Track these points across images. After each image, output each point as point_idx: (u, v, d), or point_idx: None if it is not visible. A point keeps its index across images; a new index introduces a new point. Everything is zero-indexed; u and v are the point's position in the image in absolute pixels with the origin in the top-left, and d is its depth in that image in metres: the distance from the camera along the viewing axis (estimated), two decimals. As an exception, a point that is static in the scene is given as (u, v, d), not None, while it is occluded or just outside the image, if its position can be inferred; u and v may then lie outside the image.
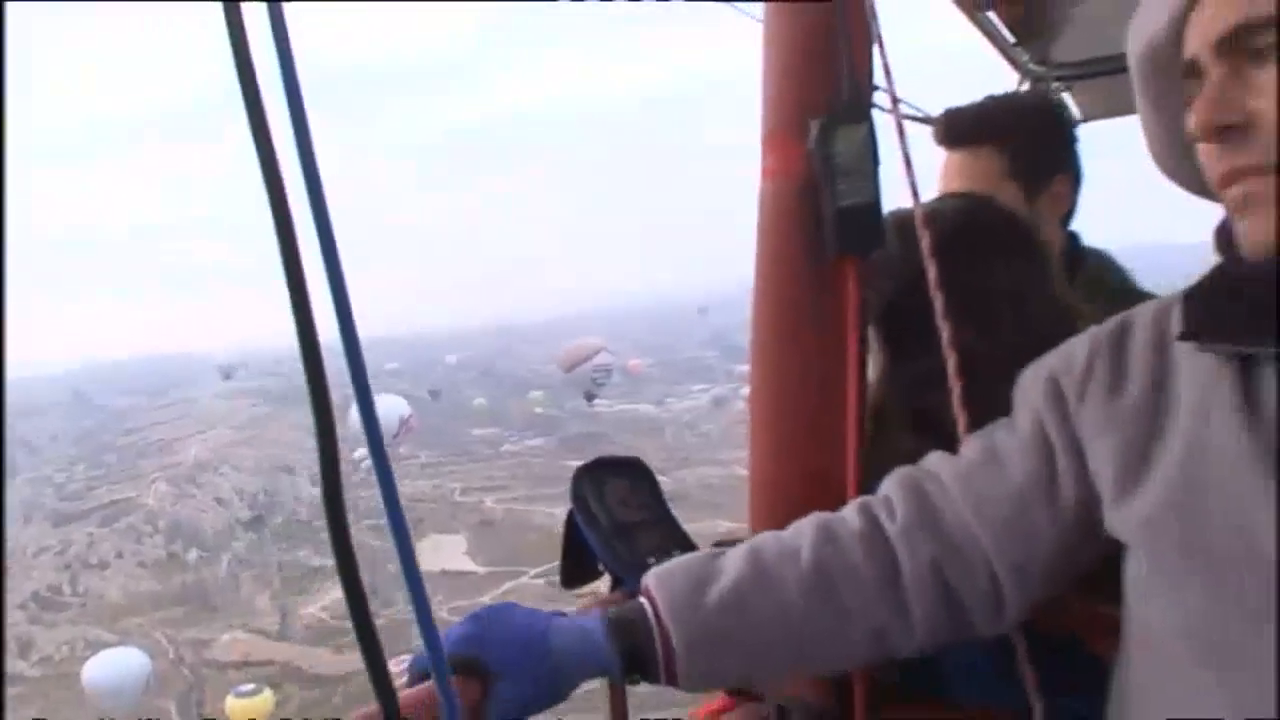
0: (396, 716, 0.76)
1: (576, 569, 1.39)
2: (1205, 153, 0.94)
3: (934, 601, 1.13)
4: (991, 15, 2.51)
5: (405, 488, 49.20)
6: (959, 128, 1.51)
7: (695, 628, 1.11)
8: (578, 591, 1.45)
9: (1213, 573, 0.91)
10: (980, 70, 2.90)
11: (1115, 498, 1.01)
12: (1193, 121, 0.92)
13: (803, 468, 1.49)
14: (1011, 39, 2.71)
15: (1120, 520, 1.01)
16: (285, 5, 0.65)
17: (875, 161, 1.44)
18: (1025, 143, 1.88)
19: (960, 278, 1.39)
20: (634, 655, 1.11)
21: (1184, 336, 0.98)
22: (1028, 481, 1.11)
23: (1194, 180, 1.02)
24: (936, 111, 2.50)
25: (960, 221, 1.57)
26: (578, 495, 1.37)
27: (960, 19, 2.44)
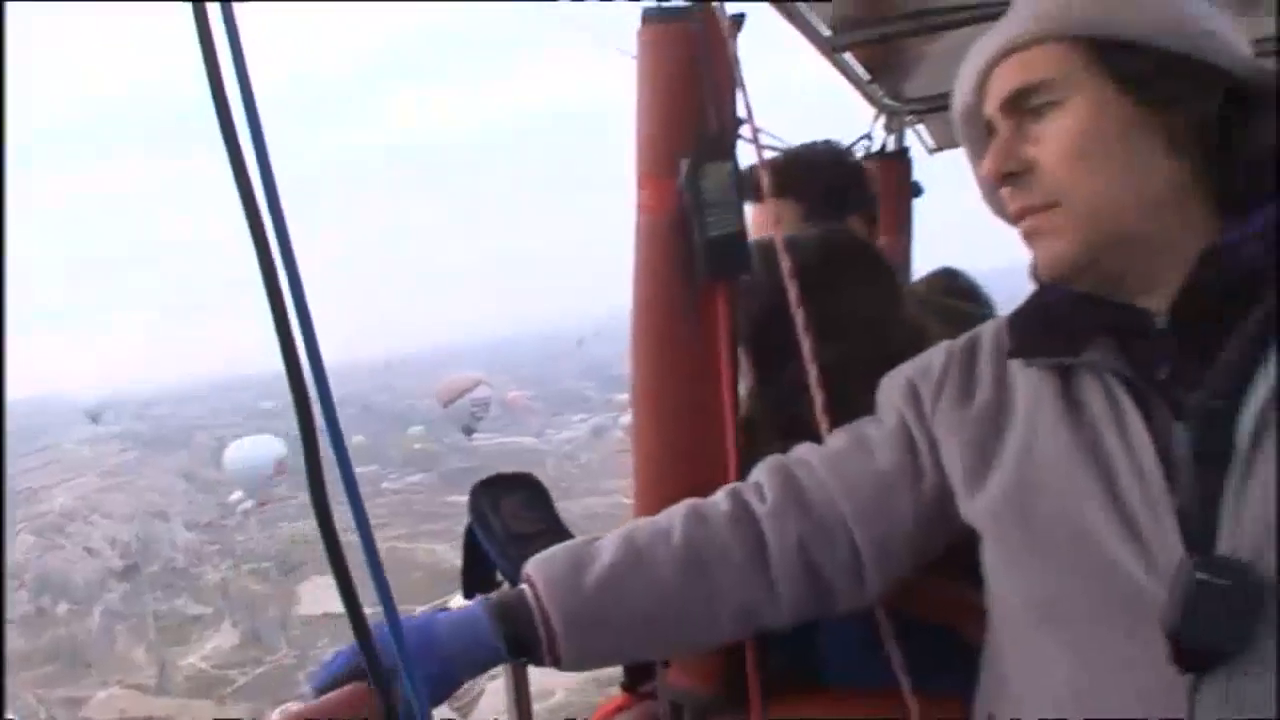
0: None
1: (476, 579, 1.48)
2: (1003, 194, 1.12)
3: (799, 577, 1.25)
4: (848, 55, 2.71)
5: (284, 530, 47.89)
6: (756, 185, 1.70)
7: (574, 608, 1.20)
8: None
9: (1047, 551, 1.07)
10: (841, 104, 3.11)
11: (964, 492, 1.18)
12: (985, 169, 1.11)
13: (686, 478, 1.61)
14: (867, 76, 2.92)
15: (970, 511, 1.17)
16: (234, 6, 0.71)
17: (739, 195, 1.59)
18: (819, 192, 2.15)
19: (821, 300, 1.54)
20: (518, 639, 1.19)
21: (1012, 354, 1.16)
22: (893, 468, 1.25)
23: (1008, 214, 1.19)
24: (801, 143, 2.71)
25: (820, 249, 1.72)
26: (476, 509, 1.46)
27: (821, 59, 2.64)
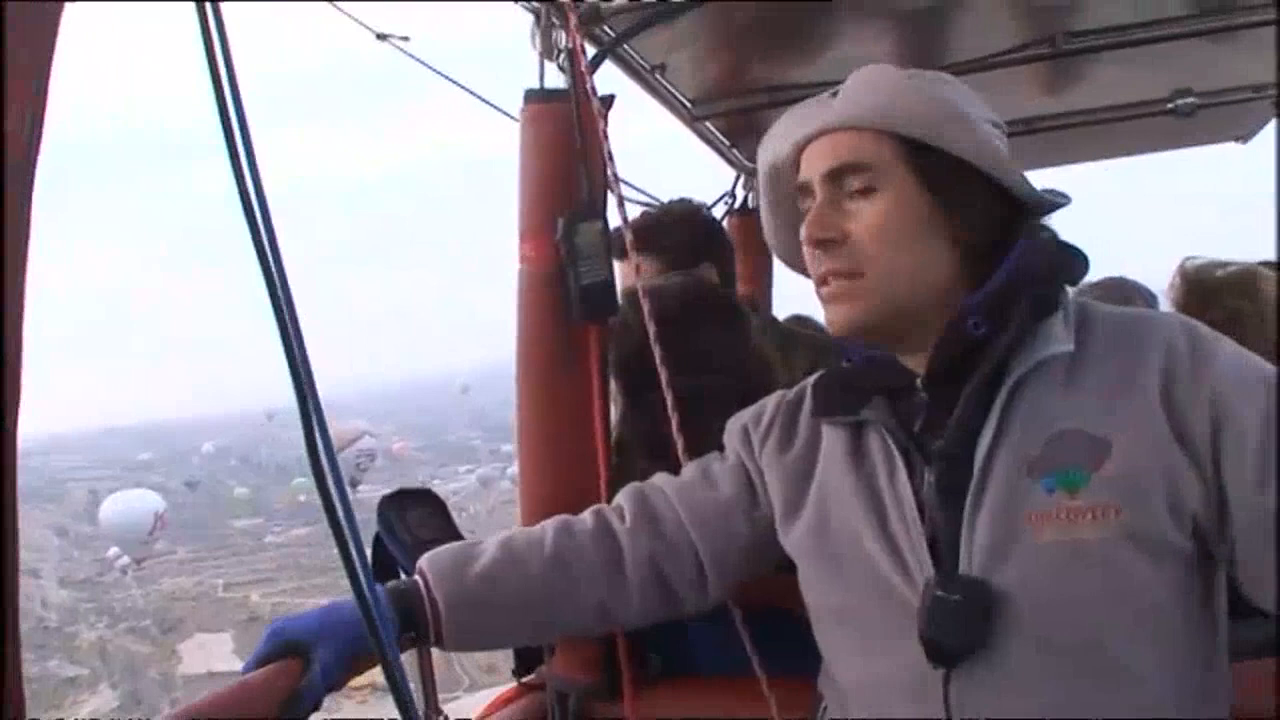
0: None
1: (378, 570, 1.67)
2: (808, 256, 1.28)
3: (650, 585, 1.48)
4: (708, 123, 3.00)
5: (164, 585, 46.07)
6: (621, 243, 1.93)
7: (457, 595, 1.41)
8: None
9: (839, 571, 1.32)
10: (709, 162, 3.35)
11: (782, 525, 1.42)
12: (803, 234, 1.26)
13: (564, 493, 1.86)
14: (726, 141, 3.21)
15: (786, 541, 1.42)
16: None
17: (608, 249, 1.88)
18: (673, 246, 2.41)
19: (681, 339, 1.80)
20: (409, 618, 1.39)
21: (813, 413, 1.41)
22: (731, 497, 1.48)
23: (797, 264, 1.39)
24: (668, 195, 3.00)
25: (680, 295, 2.00)
26: (383, 519, 1.67)
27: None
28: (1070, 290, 1.27)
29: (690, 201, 2.63)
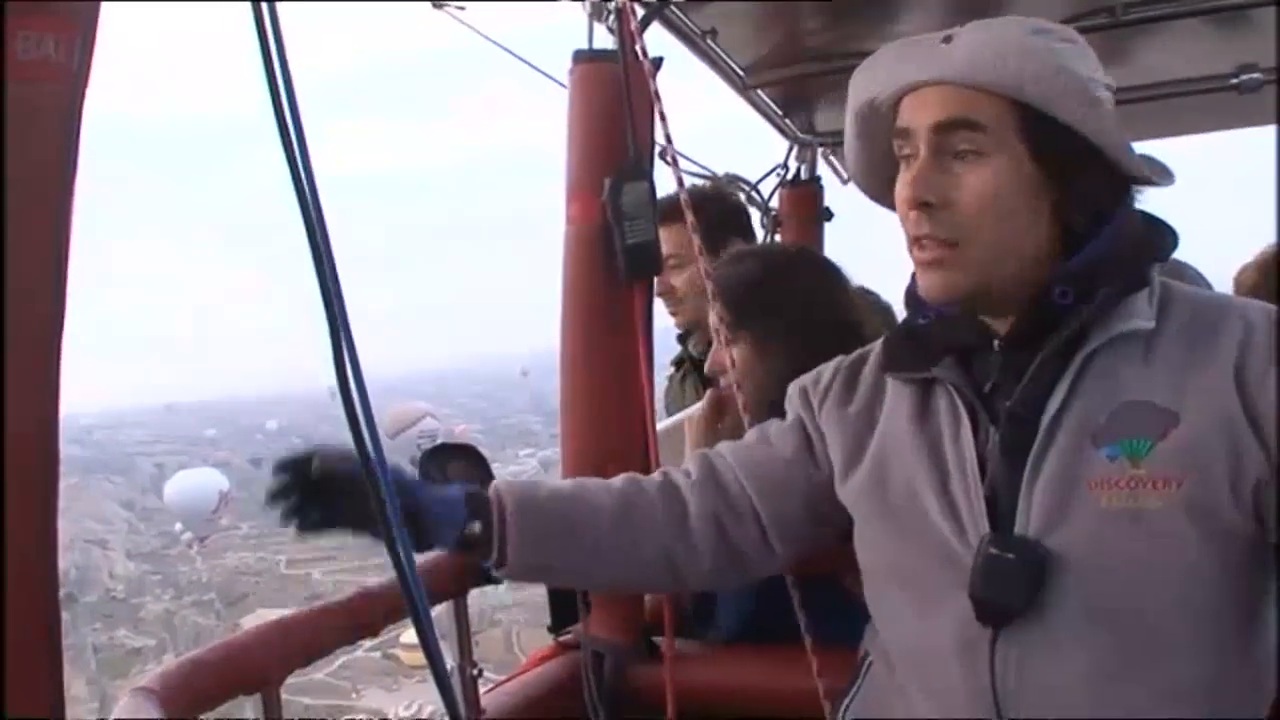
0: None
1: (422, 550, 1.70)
2: (904, 215, 1.24)
3: (715, 543, 1.45)
4: (760, 92, 2.98)
5: (228, 560, 46.94)
6: (663, 211, 1.95)
7: (530, 515, 1.38)
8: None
9: (894, 527, 1.32)
10: (759, 135, 3.33)
11: (840, 478, 1.42)
12: (900, 192, 1.22)
13: (609, 447, 1.88)
14: (780, 111, 3.18)
15: (844, 494, 1.41)
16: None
17: (654, 209, 1.89)
18: (702, 221, 2.43)
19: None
20: (475, 534, 1.35)
21: (883, 369, 1.41)
22: (791, 456, 1.47)
23: (888, 200, 1.33)
24: (721, 168, 3.00)
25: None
26: (424, 470, 1.69)
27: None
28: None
29: (720, 184, 2.72)
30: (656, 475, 1.51)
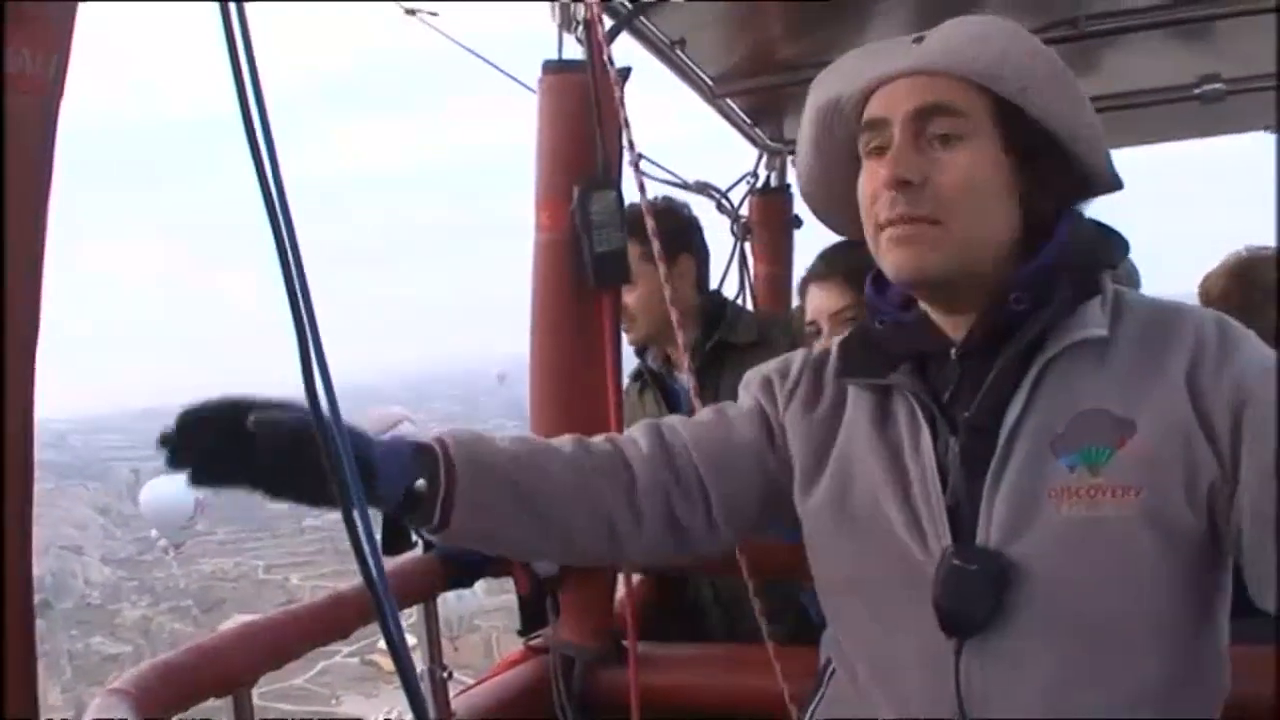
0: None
1: (394, 540, 1.67)
2: (875, 200, 1.22)
3: (661, 517, 1.41)
4: (730, 101, 3.01)
5: (205, 566, 46.49)
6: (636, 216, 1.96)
7: (478, 477, 1.28)
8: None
9: (855, 537, 1.31)
10: (729, 143, 3.36)
11: (801, 490, 1.39)
12: (886, 173, 1.20)
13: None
14: (749, 120, 3.23)
15: (803, 506, 1.39)
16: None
17: (623, 218, 1.93)
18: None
19: None
20: (420, 491, 1.24)
21: (838, 374, 1.39)
22: (747, 439, 1.44)
23: (833, 215, 1.38)
24: (692, 176, 3.04)
25: None
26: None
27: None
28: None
29: (671, 199, 2.69)
30: (605, 443, 1.44)
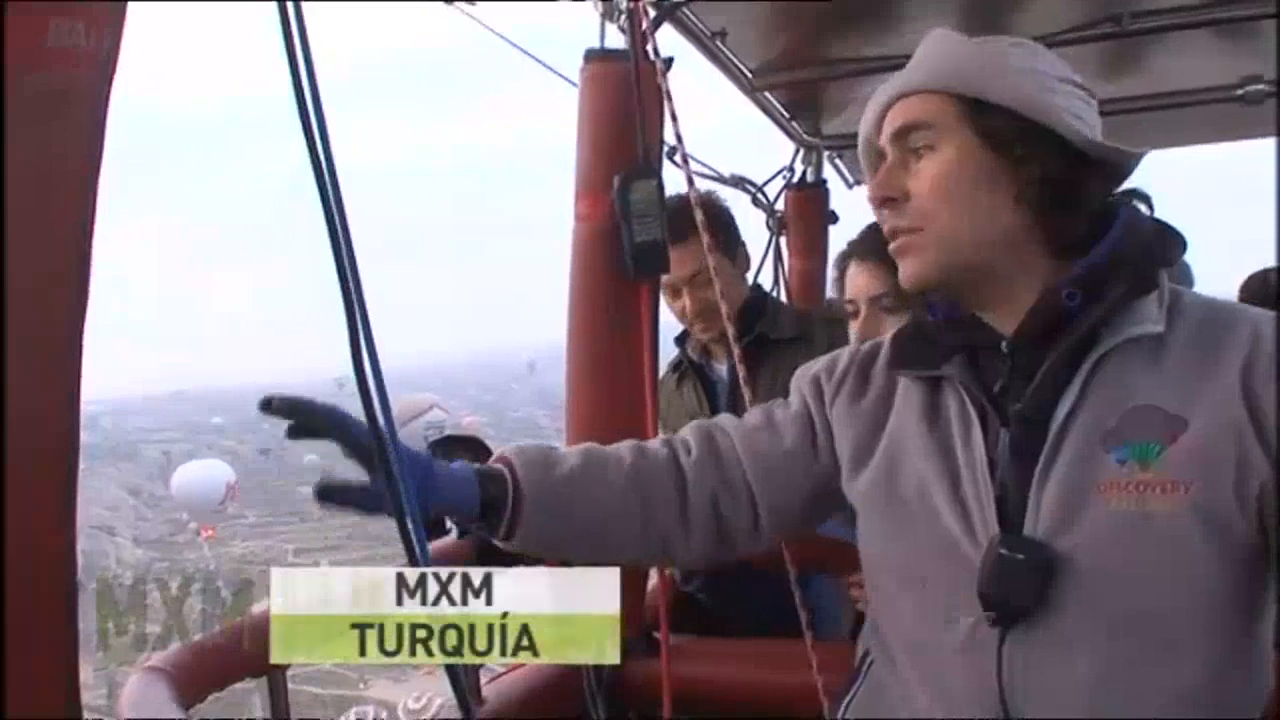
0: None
1: (429, 527, 1.73)
2: (877, 216, 1.31)
3: (708, 521, 1.45)
4: (769, 94, 3.00)
5: (235, 549, 46.85)
6: (676, 226, 1.98)
7: (543, 488, 1.35)
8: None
9: (903, 526, 1.33)
10: (766, 137, 3.35)
11: (848, 474, 1.42)
12: (869, 193, 1.32)
13: (613, 440, 1.91)
14: (787, 114, 3.21)
15: (850, 490, 1.42)
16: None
17: (662, 207, 1.92)
18: (716, 229, 2.36)
19: None
20: (488, 504, 1.31)
21: (890, 365, 1.41)
22: (793, 446, 1.47)
23: None
24: (727, 169, 3.03)
25: None
26: (431, 460, 1.72)
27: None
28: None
29: (712, 192, 2.64)
30: (660, 448, 1.48)
